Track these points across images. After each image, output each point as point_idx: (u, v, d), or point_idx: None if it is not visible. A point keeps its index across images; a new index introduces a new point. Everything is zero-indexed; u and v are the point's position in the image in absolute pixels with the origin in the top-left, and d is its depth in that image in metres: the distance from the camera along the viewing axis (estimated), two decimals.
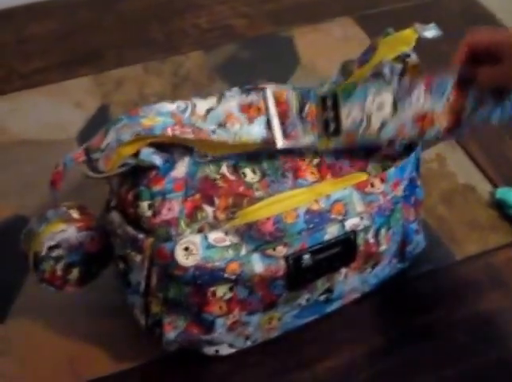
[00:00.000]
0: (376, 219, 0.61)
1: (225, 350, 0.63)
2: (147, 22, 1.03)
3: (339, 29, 1.00)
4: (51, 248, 0.56)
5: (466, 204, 0.79)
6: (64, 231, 0.56)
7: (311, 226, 0.58)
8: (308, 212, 0.58)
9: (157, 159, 0.54)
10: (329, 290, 0.63)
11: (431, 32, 0.60)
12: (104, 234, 0.58)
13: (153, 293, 0.58)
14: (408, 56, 0.60)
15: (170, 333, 0.59)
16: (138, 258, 0.56)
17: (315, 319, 0.66)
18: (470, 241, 0.75)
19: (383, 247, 0.63)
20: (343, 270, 0.62)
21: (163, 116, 0.56)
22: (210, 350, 0.62)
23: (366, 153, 0.62)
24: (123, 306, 0.62)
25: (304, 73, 0.93)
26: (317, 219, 0.58)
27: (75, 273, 0.58)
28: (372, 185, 0.60)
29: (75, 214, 0.57)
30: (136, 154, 0.54)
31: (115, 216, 0.57)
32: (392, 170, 0.61)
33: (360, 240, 0.61)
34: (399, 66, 0.60)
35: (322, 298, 0.63)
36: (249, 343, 0.64)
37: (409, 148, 0.62)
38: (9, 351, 0.65)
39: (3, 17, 1.03)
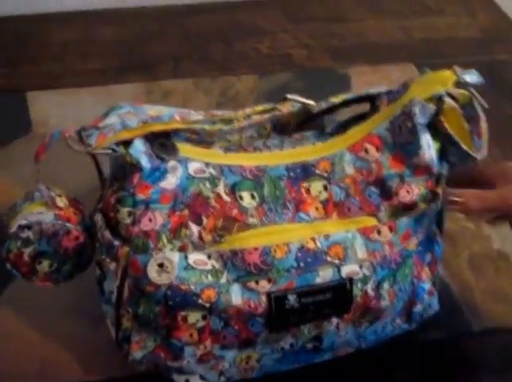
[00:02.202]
0: (378, 270, 0.53)
1: (196, 381, 0.55)
2: (209, 40, 0.99)
3: (399, 73, 0.93)
4: (21, 228, 0.50)
5: (496, 273, 0.69)
6: (40, 214, 0.50)
7: (302, 265, 0.51)
8: (302, 249, 0.51)
9: (145, 160, 0.49)
10: (317, 339, 0.55)
11: (472, 77, 0.53)
12: (85, 234, 0.52)
13: (124, 306, 0.52)
14: (442, 96, 0.53)
15: (137, 353, 0.53)
16: (113, 266, 0.51)
17: (301, 367, 0.58)
18: (492, 314, 0.65)
19: (385, 303, 0.55)
20: (335, 320, 0.54)
21: (169, 109, 0.52)
22: (180, 379, 0.55)
23: (381, 194, 0.54)
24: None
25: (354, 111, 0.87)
26: (310, 258, 0.51)
27: (44, 265, 0.52)
28: (379, 233, 0.53)
29: (61, 202, 0.52)
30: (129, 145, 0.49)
31: (99, 218, 0.51)
32: (403, 220, 0.53)
33: (357, 291, 0.53)
34: (431, 106, 0.53)
35: (309, 345, 0.55)
36: (223, 379, 0.56)
37: (429, 200, 0.54)
38: None
39: (75, 18, 1.02)
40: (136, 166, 0.49)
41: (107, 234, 0.50)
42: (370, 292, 0.53)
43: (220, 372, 0.55)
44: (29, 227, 0.50)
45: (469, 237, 0.72)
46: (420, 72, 0.55)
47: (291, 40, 1.00)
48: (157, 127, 0.50)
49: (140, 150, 0.49)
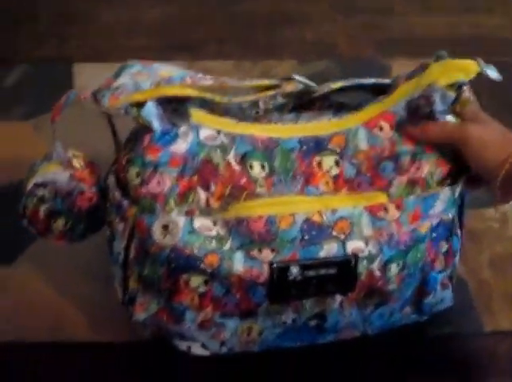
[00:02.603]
0: (385, 249, 0.52)
1: (198, 349, 0.56)
2: (255, 26, 0.99)
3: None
4: (37, 186, 0.51)
5: None
6: (55, 174, 0.52)
7: (306, 237, 0.50)
8: (307, 221, 0.50)
9: (156, 123, 0.49)
10: (320, 317, 0.54)
11: (493, 72, 0.52)
12: (99, 195, 0.53)
13: (130, 266, 0.52)
14: (463, 85, 0.52)
15: (140, 314, 0.53)
16: (121, 226, 0.51)
17: (303, 346, 0.57)
18: (505, 316, 0.63)
19: (392, 286, 0.54)
20: (338, 298, 0.53)
21: (178, 71, 0.53)
22: (182, 345, 0.56)
23: (394, 169, 0.53)
24: None
25: None
26: (315, 231, 0.50)
27: (59, 223, 0.53)
28: (386, 210, 0.52)
29: (77, 163, 0.53)
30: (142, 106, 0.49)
31: (111, 179, 0.52)
32: (411, 198, 0.52)
33: (362, 268, 0.52)
34: (452, 94, 0.52)
35: (312, 323, 0.55)
36: (224, 349, 0.56)
37: (441, 182, 0.53)
38: (8, 289, 0.63)
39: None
40: (147, 128, 0.49)
41: (117, 194, 0.51)
42: (376, 272, 0.52)
43: (221, 342, 0.55)
44: (44, 185, 0.52)
45: (493, 237, 0.70)
46: (439, 56, 0.53)
47: (336, 30, 0.99)
48: (169, 91, 0.50)
49: (152, 113, 0.49)
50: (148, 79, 0.50)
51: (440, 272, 0.57)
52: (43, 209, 0.52)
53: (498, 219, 0.72)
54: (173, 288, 0.51)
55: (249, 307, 0.52)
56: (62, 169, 0.52)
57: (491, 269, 0.67)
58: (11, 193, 0.71)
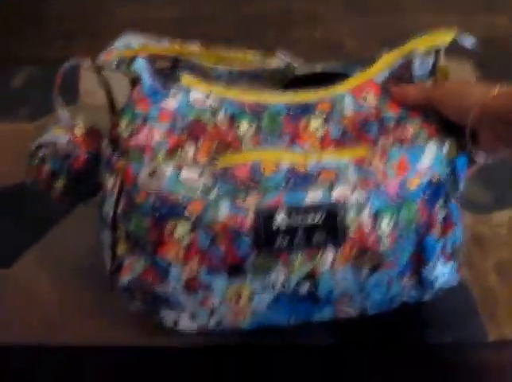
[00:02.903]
0: (373, 199, 0.51)
1: (185, 322, 0.54)
2: (264, 25, 0.98)
3: (454, 68, 0.88)
4: (40, 146, 0.55)
5: None
6: (56, 136, 0.55)
7: (290, 184, 0.50)
8: (292, 170, 0.51)
9: (146, 75, 0.52)
10: (312, 279, 0.52)
11: (468, 42, 0.55)
12: (94, 160, 0.55)
13: (118, 224, 0.53)
14: (440, 50, 0.54)
15: (126, 277, 0.53)
16: (111, 182, 0.53)
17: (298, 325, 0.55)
18: (511, 324, 0.61)
19: (385, 247, 0.52)
20: (330, 255, 0.51)
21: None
22: (169, 318, 0.54)
23: (379, 130, 0.53)
24: None
25: None
26: (300, 179, 0.51)
27: (59, 183, 0.56)
28: (370, 163, 0.52)
29: (78, 130, 0.56)
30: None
31: (105, 142, 0.54)
32: (395, 148, 0.52)
33: (350, 220, 0.51)
34: (430, 59, 0.54)
35: (304, 288, 0.52)
36: (213, 322, 0.54)
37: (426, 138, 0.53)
38: (7, 292, 0.62)
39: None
40: (137, 80, 0.52)
41: (108, 149, 0.53)
42: (366, 224, 0.51)
43: (210, 311, 0.54)
44: (46, 146, 0.55)
45: (500, 242, 0.68)
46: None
47: (346, 30, 0.97)
48: (158, 50, 0.54)
49: (142, 67, 0.52)
50: (139, 41, 0.55)
51: (438, 240, 0.55)
52: (45, 169, 0.56)
53: (507, 224, 0.69)
54: (158, 240, 0.51)
55: (235, 261, 0.51)
56: (62, 133, 0.55)
57: (497, 275, 0.65)
58: (14, 195, 0.72)
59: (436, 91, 0.53)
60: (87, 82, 0.87)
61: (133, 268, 0.53)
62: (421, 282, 0.56)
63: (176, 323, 0.55)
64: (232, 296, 0.53)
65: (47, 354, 0.58)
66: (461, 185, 0.56)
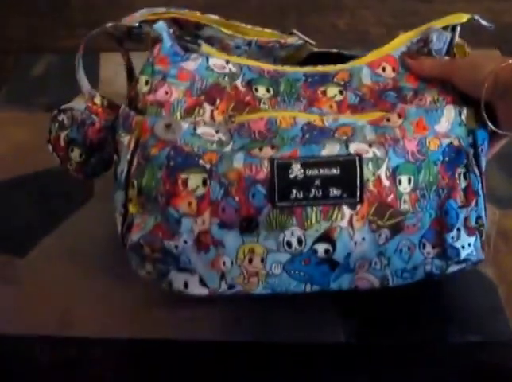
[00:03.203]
0: (391, 154, 0.50)
1: (195, 286, 0.52)
2: (287, 12, 0.96)
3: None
4: (60, 112, 0.56)
5: None
6: (74, 103, 0.56)
7: (307, 136, 0.50)
8: (309, 124, 0.51)
9: (166, 35, 0.54)
10: (329, 240, 0.50)
11: (485, 21, 0.57)
12: (110, 132, 0.55)
13: (131, 180, 0.52)
14: (457, 26, 0.55)
15: (136, 234, 0.52)
16: (126, 139, 0.52)
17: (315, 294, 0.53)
18: None
19: (405, 207, 0.51)
20: (347, 213, 0.50)
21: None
22: (179, 280, 0.52)
23: (397, 97, 0.54)
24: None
25: None
26: (317, 132, 0.51)
27: (75, 153, 0.56)
28: (388, 120, 0.52)
29: (98, 100, 0.56)
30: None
31: (122, 106, 0.54)
32: (413, 108, 0.52)
33: (369, 174, 0.50)
34: (448, 35, 0.55)
35: (321, 249, 0.50)
36: (224, 286, 0.52)
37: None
38: (21, 282, 0.61)
39: None
40: (158, 39, 0.53)
41: (125, 108, 0.53)
42: (385, 180, 0.50)
43: (221, 274, 0.52)
44: (64, 111, 0.56)
45: None
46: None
47: (371, 18, 0.94)
48: (180, 15, 0.56)
49: (163, 28, 0.54)
50: (161, 9, 0.56)
51: (461, 208, 0.53)
52: (63, 136, 0.56)
53: None
54: (171, 191, 0.50)
55: (249, 212, 0.49)
56: (82, 102, 0.56)
57: None
58: (29, 184, 0.71)
59: (451, 65, 0.54)
60: (107, 70, 0.86)
61: (143, 226, 0.52)
62: (445, 251, 0.53)
63: (186, 285, 0.52)
64: (245, 255, 0.51)
65: (59, 345, 0.57)
66: (483, 161, 0.54)
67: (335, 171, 0.49)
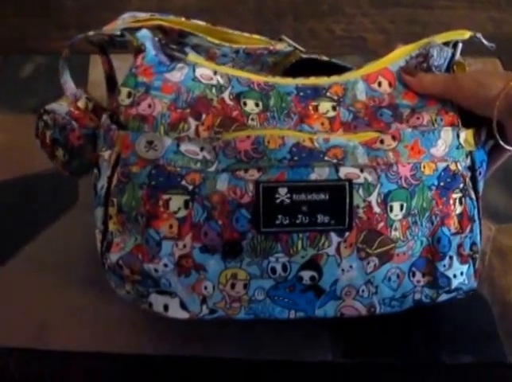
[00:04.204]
0: (383, 179, 0.47)
1: (176, 309, 0.49)
2: (283, 17, 0.93)
3: (480, 67, 0.83)
4: (45, 111, 0.54)
5: None
6: (59, 105, 0.54)
7: (296, 158, 0.47)
8: (298, 145, 0.47)
9: (149, 44, 0.50)
10: (315, 267, 0.48)
11: (486, 41, 0.54)
12: (91, 139, 0.53)
13: (111, 197, 0.49)
14: (458, 42, 0.52)
15: (115, 255, 0.49)
16: (107, 154, 0.50)
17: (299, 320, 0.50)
18: None
19: (396, 234, 0.48)
20: (335, 240, 0.47)
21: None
22: (159, 303, 0.49)
23: (393, 115, 0.50)
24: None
25: None
26: (306, 154, 0.47)
27: (60, 152, 0.54)
28: (382, 142, 0.48)
29: (82, 104, 0.54)
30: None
31: (104, 117, 0.51)
32: (408, 130, 0.49)
33: (359, 200, 0.47)
34: (449, 51, 0.52)
35: (306, 276, 0.48)
36: (205, 310, 0.50)
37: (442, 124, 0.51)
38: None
39: None
40: (140, 49, 0.50)
41: (107, 120, 0.50)
42: (376, 207, 0.47)
43: (203, 298, 0.49)
44: (48, 112, 0.54)
45: None
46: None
47: (369, 24, 0.92)
48: (164, 21, 0.53)
49: (146, 36, 0.50)
50: (144, 14, 0.53)
51: (454, 235, 0.50)
52: (48, 135, 0.54)
53: None
54: (152, 212, 0.48)
55: (232, 237, 0.47)
56: (65, 104, 0.54)
57: None
58: (11, 191, 0.69)
59: (454, 82, 0.51)
60: (97, 73, 0.83)
61: (123, 245, 0.49)
62: (436, 280, 0.51)
63: (166, 308, 0.50)
64: (227, 280, 0.49)
65: (36, 357, 0.55)
66: (480, 184, 0.52)
67: (324, 196, 0.47)
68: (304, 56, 0.58)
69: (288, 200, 0.46)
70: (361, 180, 0.47)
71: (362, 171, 0.47)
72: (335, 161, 0.47)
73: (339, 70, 0.54)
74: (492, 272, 0.60)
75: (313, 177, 0.47)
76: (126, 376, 0.55)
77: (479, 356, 0.55)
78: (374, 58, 0.88)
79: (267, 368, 0.54)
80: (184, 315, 0.50)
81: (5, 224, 0.65)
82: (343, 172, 0.47)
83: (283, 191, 0.46)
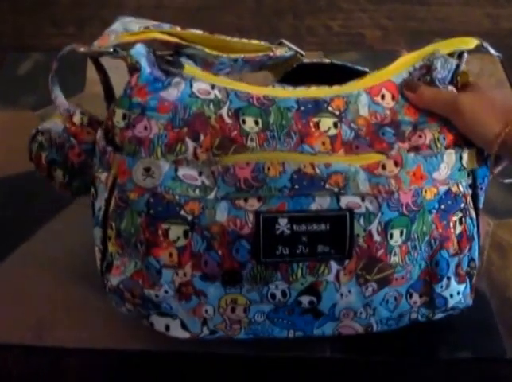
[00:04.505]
0: (385, 208, 0.47)
1: (177, 329, 0.50)
2: (281, 14, 0.93)
3: (477, 63, 0.83)
4: (38, 132, 0.52)
5: None
6: (53, 123, 0.52)
7: (296, 187, 0.46)
8: (298, 172, 0.46)
9: (144, 62, 0.47)
10: (314, 293, 0.48)
11: (492, 49, 0.52)
12: (89, 153, 0.51)
13: (109, 222, 0.49)
14: (464, 53, 0.50)
15: (115, 278, 0.49)
16: (104, 176, 0.49)
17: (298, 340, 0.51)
18: None
19: (395, 259, 0.48)
20: (334, 268, 0.47)
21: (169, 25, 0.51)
22: (160, 323, 0.50)
23: (395, 134, 0.49)
24: None
25: None
26: (306, 182, 0.46)
27: (58, 173, 0.53)
28: (383, 167, 0.47)
29: (77, 119, 0.52)
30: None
31: (99, 133, 0.49)
32: (411, 155, 0.48)
33: (359, 230, 0.47)
34: (454, 62, 0.50)
35: (305, 301, 0.48)
36: (206, 331, 0.50)
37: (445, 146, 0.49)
38: None
39: None
40: (135, 67, 0.47)
41: (102, 142, 0.48)
42: (376, 235, 0.47)
43: (203, 320, 0.50)
44: (42, 133, 0.52)
45: None
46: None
47: (366, 20, 0.92)
48: (159, 35, 0.49)
49: (141, 53, 0.47)
50: (138, 24, 0.50)
51: (452, 257, 0.50)
52: (44, 156, 0.53)
53: None
54: (151, 240, 0.47)
55: (232, 267, 0.47)
56: (59, 121, 0.52)
57: None
58: (11, 187, 0.69)
59: (453, 106, 0.48)
60: (95, 71, 0.83)
61: (123, 270, 0.49)
62: (433, 300, 0.51)
63: (167, 328, 0.50)
64: (227, 304, 0.49)
65: (33, 354, 0.55)
66: (481, 199, 0.51)
67: (325, 227, 0.46)
68: (306, 60, 0.56)
69: (288, 231, 0.46)
70: (362, 209, 0.47)
71: (363, 200, 0.47)
72: (336, 189, 0.46)
73: (341, 70, 0.54)
74: (491, 267, 0.61)
75: (314, 206, 0.46)
76: (124, 373, 0.55)
77: (478, 352, 0.55)
78: (372, 55, 0.89)
79: (266, 365, 0.54)
80: (185, 335, 0.50)
81: (3, 222, 0.65)
82: (344, 201, 0.47)
83: (283, 222, 0.46)
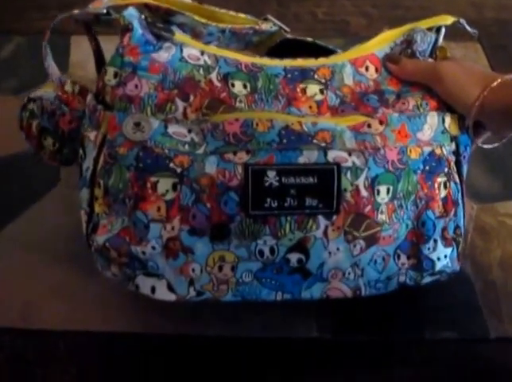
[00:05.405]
0: (371, 163, 0.48)
1: (163, 291, 0.50)
2: (266, 1, 0.93)
3: (462, 51, 0.84)
4: (30, 100, 0.53)
5: None
6: (45, 92, 0.53)
7: (284, 141, 0.47)
8: (286, 128, 0.48)
9: (136, 23, 0.49)
10: (303, 249, 0.48)
11: (469, 26, 0.55)
12: (79, 121, 0.52)
13: (97, 180, 0.49)
14: (442, 27, 0.53)
15: (102, 237, 0.49)
16: (93, 135, 0.49)
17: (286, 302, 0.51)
18: None
19: (382, 217, 0.49)
20: (323, 223, 0.48)
21: None
22: (146, 284, 0.49)
23: (379, 101, 0.51)
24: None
25: None
26: (294, 137, 0.47)
27: (49, 142, 0.53)
28: (369, 126, 0.49)
29: (69, 87, 0.52)
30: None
31: (90, 96, 0.50)
32: (395, 115, 0.49)
33: (347, 184, 0.47)
34: (433, 36, 0.53)
35: (293, 259, 0.49)
36: (193, 292, 0.50)
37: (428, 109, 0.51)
38: None
39: None
40: (127, 28, 0.49)
41: (92, 100, 0.49)
42: (363, 190, 0.48)
43: (190, 281, 0.49)
44: (34, 100, 0.53)
45: (506, 234, 0.64)
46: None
47: (351, 8, 0.92)
48: (151, 0, 0.51)
49: (133, 15, 0.49)
50: None
51: (438, 218, 0.51)
52: (35, 124, 0.53)
53: None
54: (139, 194, 0.47)
55: (220, 220, 0.47)
56: (51, 90, 0.53)
57: (501, 269, 0.61)
58: None
59: (433, 74, 0.51)
60: (78, 54, 0.83)
61: (110, 229, 0.49)
62: (421, 262, 0.51)
63: (153, 290, 0.50)
64: (215, 263, 0.49)
65: (21, 336, 0.55)
66: (465, 168, 0.52)
67: (312, 180, 0.47)
68: (289, 36, 0.58)
69: (277, 183, 0.47)
70: (349, 163, 0.48)
71: (350, 155, 0.48)
72: (323, 144, 0.47)
73: (323, 52, 0.55)
74: (474, 250, 0.62)
75: (302, 160, 0.47)
76: (113, 355, 0.55)
77: (462, 333, 0.56)
78: (356, 41, 0.89)
79: (253, 346, 0.55)
80: (171, 297, 0.50)
81: None
82: (332, 155, 0.47)
83: (272, 174, 0.47)
